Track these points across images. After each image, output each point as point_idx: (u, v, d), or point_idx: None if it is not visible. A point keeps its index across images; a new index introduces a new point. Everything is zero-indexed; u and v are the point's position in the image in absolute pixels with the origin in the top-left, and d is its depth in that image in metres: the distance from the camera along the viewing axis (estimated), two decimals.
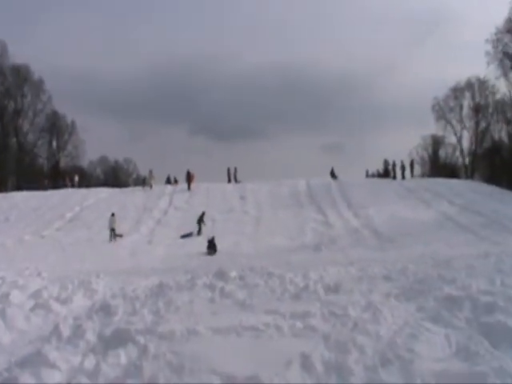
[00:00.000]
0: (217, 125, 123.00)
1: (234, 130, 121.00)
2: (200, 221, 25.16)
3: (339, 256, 17.98)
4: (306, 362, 4.98)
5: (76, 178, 43.24)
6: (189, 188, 34.94)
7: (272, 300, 8.18)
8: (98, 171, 77.88)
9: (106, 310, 7.92)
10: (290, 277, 10.40)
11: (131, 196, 33.53)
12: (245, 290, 8.95)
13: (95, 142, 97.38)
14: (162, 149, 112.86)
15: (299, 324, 6.32)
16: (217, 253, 20.01)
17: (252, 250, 20.63)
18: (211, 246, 20.51)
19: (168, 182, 40.54)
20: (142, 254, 20.33)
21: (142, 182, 38.80)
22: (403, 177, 37.18)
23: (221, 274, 10.78)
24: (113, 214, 24.77)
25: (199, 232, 24.64)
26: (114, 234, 24.03)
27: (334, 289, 8.90)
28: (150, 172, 37.15)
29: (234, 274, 10.84)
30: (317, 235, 23.06)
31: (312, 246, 20.74)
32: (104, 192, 35.96)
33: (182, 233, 24.42)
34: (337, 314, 6.80)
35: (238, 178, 38.45)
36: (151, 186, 35.71)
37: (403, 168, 37.45)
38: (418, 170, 55.16)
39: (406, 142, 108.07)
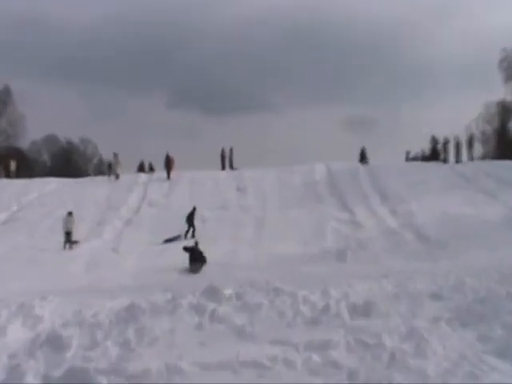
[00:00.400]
0: (204, 94, 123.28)
1: (228, 100, 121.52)
2: (190, 220, 25.46)
3: (370, 267, 17.98)
4: None
5: (12, 165, 41.98)
6: (168, 177, 35.11)
7: (280, 326, 8.18)
8: (45, 156, 77.77)
9: (54, 343, 7.86)
10: (303, 295, 10.37)
11: (90, 188, 33.59)
12: (244, 313, 8.93)
13: (39, 118, 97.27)
14: (133, 127, 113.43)
15: (316, 358, 6.31)
16: (206, 265, 19.94)
17: (253, 259, 20.71)
18: (195, 258, 20.16)
19: (141, 169, 40.86)
20: (105, 267, 20.40)
21: (107, 169, 38.69)
22: (458, 159, 37.09)
23: (212, 292, 10.75)
24: (70, 213, 24.91)
25: (191, 234, 24.96)
26: (69, 240, 24.15)
27: (364, 311, 8.89)
28: (115, 156, 37.19)
29: (229, 291, 10.80)
30: (340, 239, 23.11)
31: (334, 254, 20.78)
32: (52, 183, 36.11)
33: (165, 237, 24.62)
34: (367, 344, 6.78)
35: (235, 163, 38.57)
36: (117, 176, 35.83)
37: (458, 147, 37.20)
38: (478, 149, 54.56)
39: (462, 113, 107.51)
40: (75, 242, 24.22)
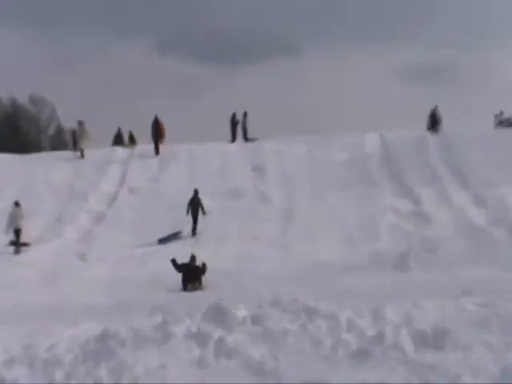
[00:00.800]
0: (205, 35, 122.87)
1: (238, 43, 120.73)
2: (193, 207, 25.94)
3: (443, 278, 17.92)
4: None
5: None
6: (157, 151, 35.29)
7: (314, 362, 8.17)
8: None
9: None
10: (348, 318, 10.36)
11: (45, 169, 33.70)
12: (264, 344, 8.94)
13: None
14: (108, 82, 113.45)
15: None
16: (207, 280, 19.67)
17: (276, 266, 20.78)
18: (190, 277, 19.79)
19: (118, 141, 40.78)
20: (67, 279, 20.57)
21: (71, 141, 38.45)
22: None
23: (218, 314, 10.75)
24: (17, 204, 25.15)
25: (193, 230, 25.57)
26: (18, 241, 24.40)
27: (435, 341, 8.84)
28: (81, 124, 36.95)
29: (242, 312, 10.81)
30: (400, 238, 23.09)
31: (391, 260, 20.75)
32: None
33: (153, 236, 24.99)
34: None
35: (250, 132, 38.55)
36: (81, 152, 35.62)
37: None
38: None
39: None
40: (24, 245, 24.38)
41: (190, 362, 8.36)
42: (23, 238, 24.66)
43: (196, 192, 26.32)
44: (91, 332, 10.73)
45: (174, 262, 20.02)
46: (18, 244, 24.37)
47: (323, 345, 8.85)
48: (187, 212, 25.79)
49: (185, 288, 19.40)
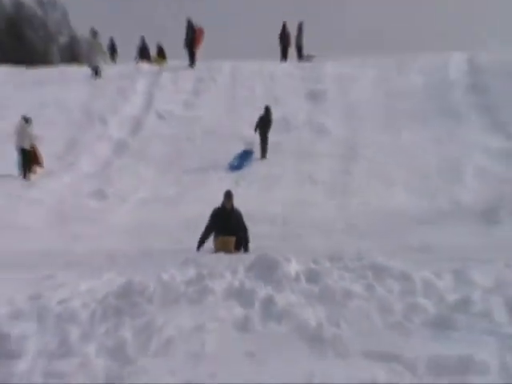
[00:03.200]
0: None
1: None
2: (263, 127, 26.84)
3: None
4: None
5: None
6: (192, 62, 35.84)
7: (384, 330, 8.20)
8: None
9: None
10: (424, 278, 10.36)
11: (55, 87, 33.96)
12: (321, 306, 8.97)
13: None
14: None
15: None
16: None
17: (336, 215, 20.78)
18: (226, 229, 17.19)
19: (142, 55, 40.67)
20: (82, 220, 20.83)
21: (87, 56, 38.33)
22: None
23: (266, 269, 10.78)
24: (26, 120, 25.56)
25: (263, 152, 26.72)
26: (29, 165, 24.94)
27: None
28: (95, 34, 37.21)
29: (294, 267, 10.85)
30: (490, 185, 22.88)
31: (479, 211, 20.64)
32: None
33: (231, 158, 26.08)
34: None
35: (306, 49, 38.36)
36: (96, 70, 35.80)
37: None
38: None
39: None
40: (39, 165, 24.75)
41: (231, 325, 8.37)
42: (38, 161, 25.24)
43: (267, 109, 27.16)
44: (112, 285, 10.74)
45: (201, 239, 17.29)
46: (25, 168, 24.87)
47: (394, 310, 8.83)
48: (255, 131, 26.80)
49: (215, 244, 17.21)
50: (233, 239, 17.03)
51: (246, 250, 17.13)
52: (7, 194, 22.98)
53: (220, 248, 16.65)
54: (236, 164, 25.95)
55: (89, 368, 6.97)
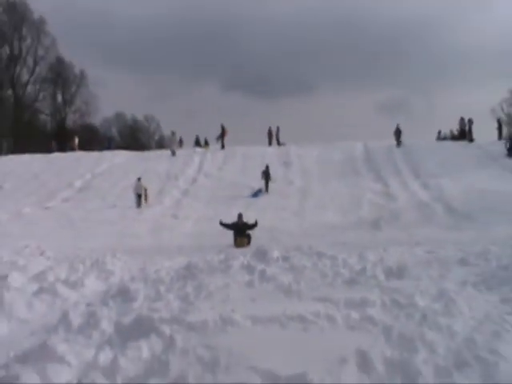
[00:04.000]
0: (256, 79, 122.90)
1: (277, 84, 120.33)
2: (266, 176, 26.65)
3: (403, 235, 17.81)
4: (363, 360, 4.93)
5: (76, 140, 41.52)
6: (222, 146, 35.69)
7: (322, 285, 8.17)
8: (114, 131, 78.80)
9: (124, 294, 8.05)
10: (343, 258, 10.37)
11: (152, 161, 33.82)
12: (290, 274, 8.96)
13: (109, 99, 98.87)
14: (190, 109, 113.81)
15: (355, 314, 6.26)
16: (254, 233, 18.48)
17: (298, 227, 20.66)
18: (239, 232, 17.69)
19: (197, 144, 40.82)
20: (166, 230, 20.71)
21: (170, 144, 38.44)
22: (471, 138, 35.46)
23: (261, 255, 10.82)
24: (139, 179, 25.65)
25: (266, 189, 26.43)
26: (140, 202, 25.02)
27: (397, 273, 8.82)
28: (173, 134, 37.23)
29: (276, 254, 10.86)
30: (376, 209, 22.84)
31: (370, 223, 20.60)
32: (120, 155, 36.59)
33: (250, 192, 26.33)
34: (401, 304, 6.71)
35: (281, 139, 38.39)
36: (173, 152, 35.37)
37: (470, 125, 35.54)
38: (505, 130, 53.10)
39: (488, 98, 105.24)
40: (146, 202, 25.24)
41: (243, 284, 8.39)
42: (147, 199, 25.49)
43: (267, 167, 27.28)
44: (181, 263, 10.89)
45: (221, 223, 18.19)
46: (139, 203, 24.96)
47: (327, 275, 8.90)
48: (262, 178, 26.85)
49: (235, 243, 17.33)
50: (245, 239, 17.53)
51: (249, 240, 17.64)
52: (128, 217, 23.08)
53: (239, 244, 17.16)
54: (255, 195, 26.05)
55: (169, 306, 6.96)
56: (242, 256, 11.07)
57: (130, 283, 9.03)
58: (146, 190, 25.53)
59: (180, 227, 21.29)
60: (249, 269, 9.45)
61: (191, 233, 20.14)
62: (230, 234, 18.11)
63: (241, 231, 17.82)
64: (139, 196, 25.05)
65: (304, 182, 28.20)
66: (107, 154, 37.42)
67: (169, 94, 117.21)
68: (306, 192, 26.42)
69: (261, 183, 26.84)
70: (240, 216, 18.34)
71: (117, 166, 33.37)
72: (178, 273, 9.68)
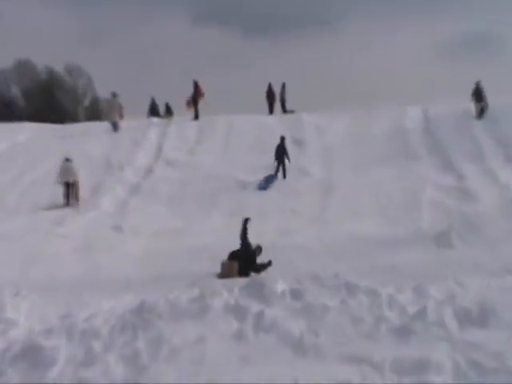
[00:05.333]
0: (247, 7, 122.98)
1: (278, 16, 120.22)
2: (279, 154, 27.56)
3: (487, 257, 17.75)
4: None
5: None
6: (196, 116, 35.83)
7: (355, 338, 8.17)
8: (15, 91, 78.47)
9: (33, 356, 8.01)
10: (389, 294, 10.36)
11: (81, 141, 33.72)
12: (303, 319, 8.95)
13: (6, 40, 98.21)
14: (142, 55, 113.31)
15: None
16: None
17: (315, 242, 20.60)
18: (245, 266, 17.46)
19: (153, 112, 40.63)
20: (103, 250, 20.61)
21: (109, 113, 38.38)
22: None
23: (257, 288, 10.79)
24: (67, 159, 26.00)
25: (284, 174, 27.39)
26: (71, 196, 25.26)
27: (479, 319, 8.82)
28: (115, 97, 37.00)
29: (281, 286, 10.84)
30: (442, 215, 22.80)
31: (433, 237, 20.54)
32: (26, 130, 36.61)
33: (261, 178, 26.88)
34: (484, 368, 6.71)
35: (289, 104, 38.43)
36: (115, 125, 35.53)
37: None
38: None
39: None
40: (77, 197, 25.45)
41: (228, 336, 8.37)
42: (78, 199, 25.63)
43: (282, 139, 27.99)
44: (128, 304, 10.82)
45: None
46: (68, 197, 25.22)
47: (364, 321, 8.87)
48: (275, 158, 27.44)
49: (221, 269, 17.22)
50: (235, 264, 17.38)
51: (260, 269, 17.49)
52: (40, 231, 22.90)
53: (225, 272, 17.13)
54: (263, 186, 26.49)
55: (110, 373, 6.95)
56: (227, 291, 11.03)
57: (44, 338, 8.98)
58: (77, 178, 25.74)
59: (126, 245, 21.21)
60: (237, 312, 9.43)
61: (144, 255, 20.00)
62: (208, 257, 18.03)
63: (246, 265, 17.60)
64: (68, 186, 25.28)
65: (326, 170, 28.36)
66: (3, 127, 37.34)
67: (108, 33, 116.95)
68: (328, 187, 26.54)
69: (273, 166, 27.43)
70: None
71: (20, 146, 33.41)
72: (122, 320, 9.65)
